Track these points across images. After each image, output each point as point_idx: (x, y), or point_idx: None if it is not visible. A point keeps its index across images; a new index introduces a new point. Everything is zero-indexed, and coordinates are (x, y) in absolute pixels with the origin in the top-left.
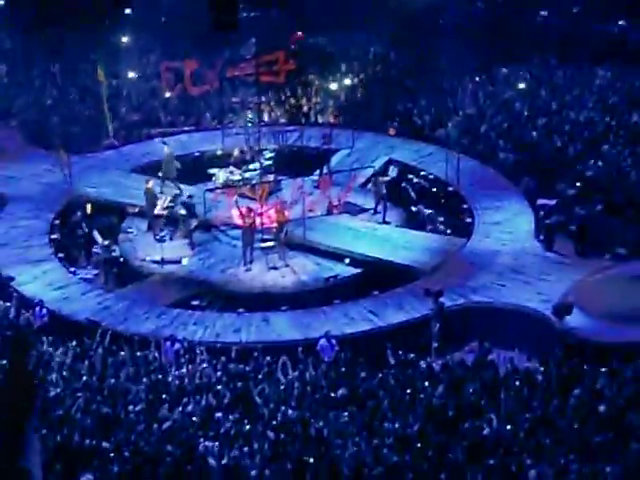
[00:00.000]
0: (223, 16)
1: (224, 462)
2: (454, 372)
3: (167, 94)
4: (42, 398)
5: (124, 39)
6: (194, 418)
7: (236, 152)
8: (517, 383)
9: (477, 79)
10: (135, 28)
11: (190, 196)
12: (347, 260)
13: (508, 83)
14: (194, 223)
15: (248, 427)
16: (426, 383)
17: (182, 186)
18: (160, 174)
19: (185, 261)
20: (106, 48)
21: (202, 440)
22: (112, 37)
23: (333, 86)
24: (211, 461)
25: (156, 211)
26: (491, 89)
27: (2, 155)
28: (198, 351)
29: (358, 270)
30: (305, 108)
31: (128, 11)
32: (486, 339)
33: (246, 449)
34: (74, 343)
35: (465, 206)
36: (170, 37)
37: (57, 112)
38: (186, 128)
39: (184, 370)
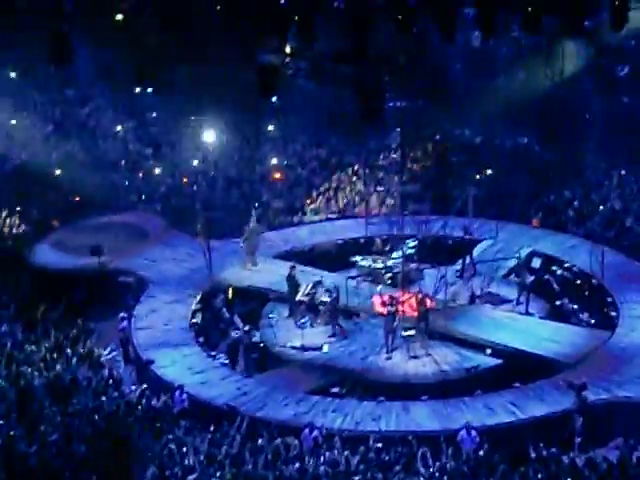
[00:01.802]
0: (369, 105)
1: None
2: (598, 469)
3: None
4: None
5: (270, 127)
6: None
7: (379, 240)
8: None
9: (623, 172)
10: (281, 116)
11: (329, 290)
12: (488, 350)
13: None
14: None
15: None
16: (569, 479)
17: (259, 261)
18: (242, 245)
19: (326, 348)
20: (252, 135)
21: None
22: (259, 125)
23: (477, 176)
24: None
25: (298, 297)
26: (637, 182)
27: (145, 239)
28: (336, 439)
29: (499, 361)
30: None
31: (274, 99)
32: (631, 436)
33: None
34: (212, 428)
35: (610, 299)
36: (316, 125)
37: (201, 198)
38: (330, 215)
39: (322, 458)
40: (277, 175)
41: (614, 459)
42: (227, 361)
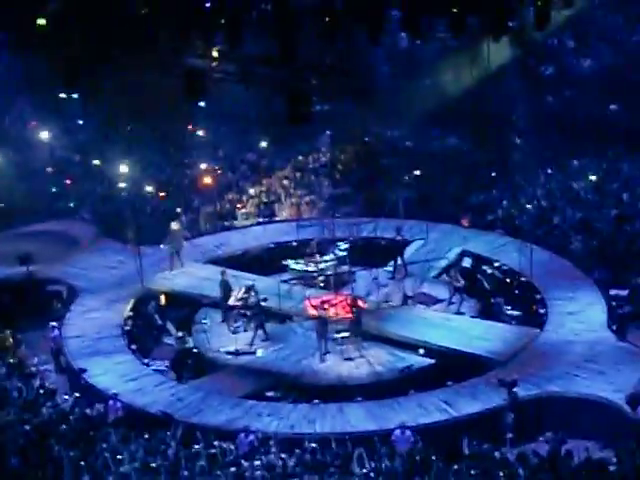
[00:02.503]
0: (298, 108)
1: None
2: (529, 462)
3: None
4: None
5: (198, 132)
6: None
7: (311, 243)
8: (591, 473)
9: (549, 171)
10: (209, 120)
11: (265, 299)
12: (421, 350)
13: (579, 175)
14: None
15: None
16: (501, 473)
17: (184, 261)
18: (165, 247)
19: (259, 352)
20: (179, 140)
21: None
22: (185, 129)
23: (406, 178)
24: None
25: (230, 302)
26: (563, 181)
27: (75, 247)
28: (272, 442)
29: (432, 360)
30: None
31: (202, 104)
32: (560, 429)
33: None
34: (147, 436)
35: (539, 296)
36: (244, 129)
37: (130, 204)
38: (260, 220)
39: (258, 462)
40: (207, 180)
41: (544, 453)
42: (161, 368)
